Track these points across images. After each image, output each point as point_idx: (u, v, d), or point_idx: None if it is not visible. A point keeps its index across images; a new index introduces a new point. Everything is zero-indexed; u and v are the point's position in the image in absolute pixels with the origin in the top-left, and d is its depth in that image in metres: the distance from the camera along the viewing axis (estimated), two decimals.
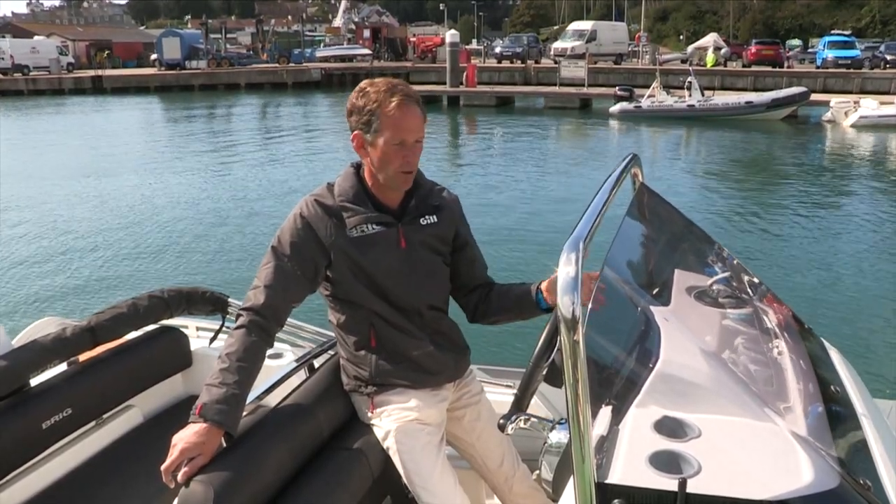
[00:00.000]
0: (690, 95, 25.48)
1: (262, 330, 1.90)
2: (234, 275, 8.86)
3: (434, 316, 2.10)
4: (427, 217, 2.07)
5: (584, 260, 1.22)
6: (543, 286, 2.06)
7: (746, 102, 25.58)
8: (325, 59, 49.27)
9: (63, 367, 2.48)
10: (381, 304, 2.01)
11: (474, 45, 55.02)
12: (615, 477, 1.31)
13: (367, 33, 55.07)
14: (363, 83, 1.99)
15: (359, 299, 2.01)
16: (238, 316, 1.94)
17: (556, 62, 37.45)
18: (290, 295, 1.95)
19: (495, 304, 2.16)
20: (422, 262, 2.05)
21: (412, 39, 54.60)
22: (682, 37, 59.32)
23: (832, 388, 1.82)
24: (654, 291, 1.94)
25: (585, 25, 47.37)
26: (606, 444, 1.39)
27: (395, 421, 2.00)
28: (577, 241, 1.24)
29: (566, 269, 1.19)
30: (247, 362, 1.83)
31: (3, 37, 52.91)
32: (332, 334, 2.37)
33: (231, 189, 14.77)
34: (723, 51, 38.02)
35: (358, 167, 2.07)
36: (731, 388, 1.54)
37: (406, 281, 2.01)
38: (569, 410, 1.19)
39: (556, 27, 78.53)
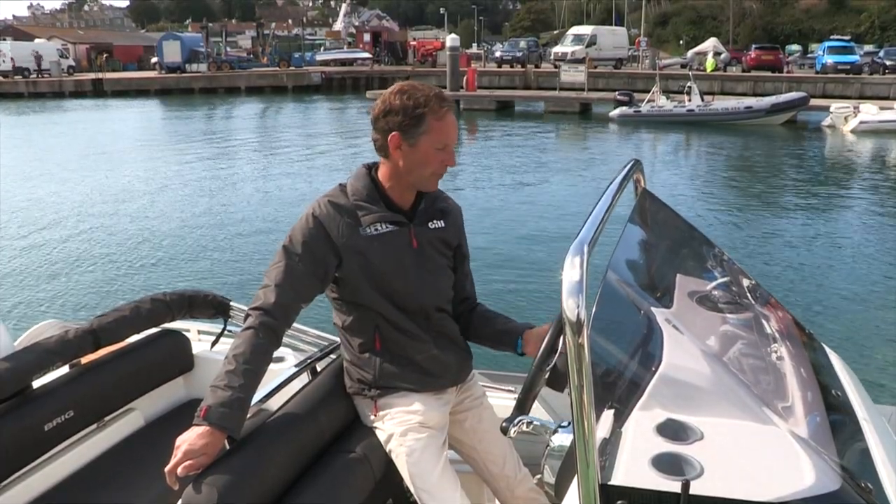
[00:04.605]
0: (690, 100, 25.53)
1: (270, 330, 1.90)
2: (236, 278, 8.87)
3: (440, 318, 2.11)
4: (435, 221, 2.10)
5: (588, 264, 1.23)
6: (526, 335, 2.10)
7: (746, 107, 25.63)
8: (326, 63, 49.31)
9: (65, 369, 2.48)
10: (387, 306, 2.02)
11: (474, 49, 55.02)
12: (618, 479, 1.31)
13: (367, 37, 55.23)
14: (400, 85, 2.00)
15: (365, 301, 2.02)
16: (247, 316, 1.93)
17: (556, 66, 37.56)
18: (300, 294, 1.96)
19: (475, 327, 2.21)
20: (431, 262, 2.07)
21: (412, 43, 54.74)
22: (681, 42, 59.34)
23: (833, 392, 1.83)
24: (657, 295, 1.95)
25: (585, 30, 47.53)
26: (609, 447, 1.39)
27: (399, 424, 2.01)
28: (581, 245, 1.25)
29: (571, 272, 1.20)
30: (253, 365, 1.83)
31: (4, 40, 53.00)
32: (334, 338, 2.37)
33: (232, 193, 14.79)
34: (722, 56, 38.08)
35: (370, 168, 2.08)
36: (733, 392, 1.55)
37: (416, 281, 2.03)
38: (573, 413, 1.19)
39: (556, 31, 78.66)
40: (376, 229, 1.99)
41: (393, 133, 1.96)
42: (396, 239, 2.01)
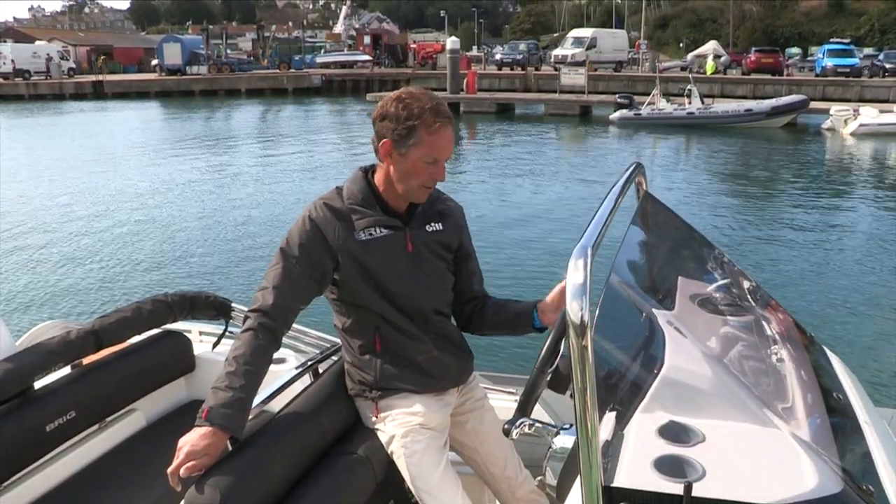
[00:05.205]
0: (690, 103, 25.53)
1: (269, 332, 1.90)
2: (237, 280, 8.87)
3: (438, 321, 2.11)
4: (433, 224, 2.10)
5: (592, 267, 1.23)
6: (540, 305, 2.09)
7: (746, 110, 25.65)
8: (326, 66, 49.36)
9: (67, 370, 2.49)
10: (387, 307, 2.02)
11: (474, 51, 55.05)
12: (620, 481, 1.32)
13: (367, 40, 55.34)
14: (401, 92, 1.98)
15: (364, 303, 2.02)
16: (245, 318, 1.94)
17: (556, 69, 37.51)
18: (298, 296, 1.96)
19: (490, 318, 2.20)
20: (428, 265, 2.07)
21: (413, 46, 54.79)
22: (681, 44, 59.43)
23: (834, 395, 1.83)
24: (659, 298, 1.95)
25: (585, 33, 47.51)
26: (612, 449, 1.40)
27: (400, 426, 2.01)
28: (584, 248, 1.26)
29: (574, 275, 1.21)
30: (253, 366, 1.84)
31: (5, 41, 53.04)
32: (336, 339, 2.37)
33: (234, 195, 14.79)
34: (722, 58, 38.14)
35: (367, 171, 2.08)
36: (734, 394, 1.56)
37: (412, 284, 2.03)
38: (576, 415, 1.20)
39: (556, 34, 78.65)
40: (370, 234, 1.99)
41: (385, 140, 1.97)
42: (391, 243, 2.01)
